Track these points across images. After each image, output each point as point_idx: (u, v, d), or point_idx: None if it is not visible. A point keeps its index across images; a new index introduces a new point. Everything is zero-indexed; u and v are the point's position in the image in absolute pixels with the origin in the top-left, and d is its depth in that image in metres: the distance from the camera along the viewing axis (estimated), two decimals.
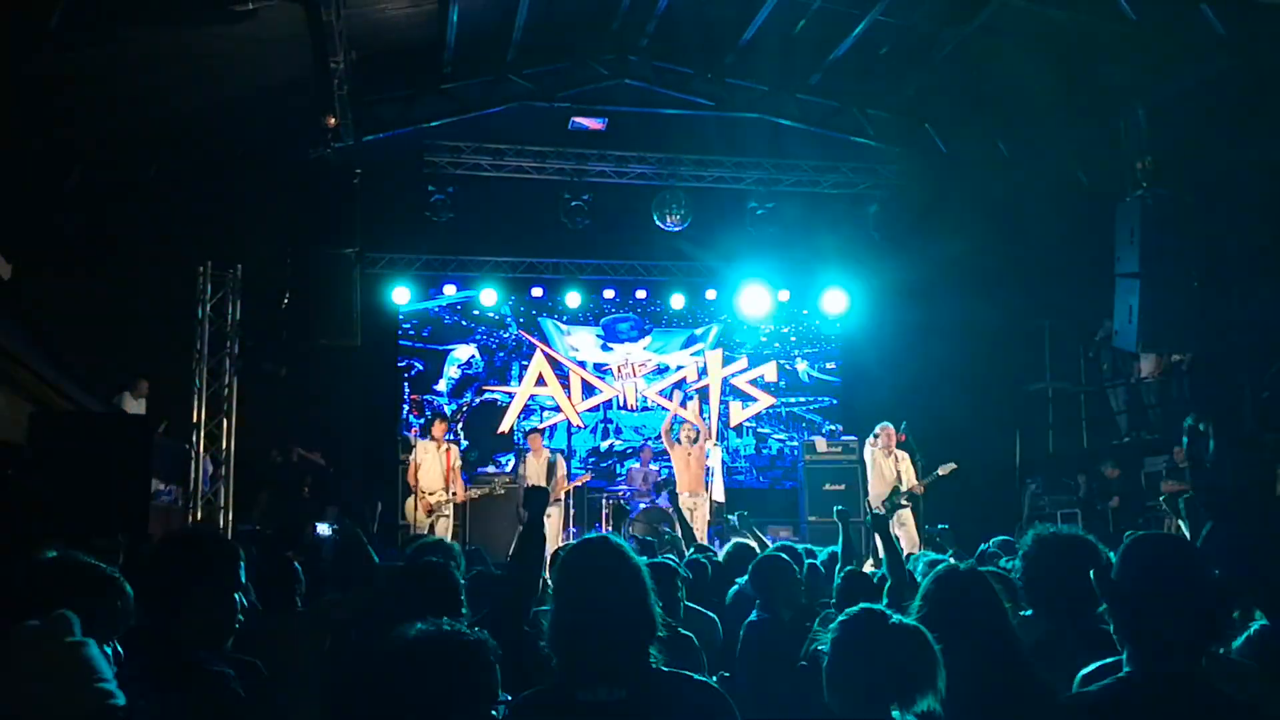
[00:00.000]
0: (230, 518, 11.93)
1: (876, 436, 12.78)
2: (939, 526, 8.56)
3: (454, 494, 12.77)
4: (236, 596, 3.10)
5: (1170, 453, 12.77)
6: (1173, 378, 13.43)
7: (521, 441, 15.75)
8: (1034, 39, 11.70)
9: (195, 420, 11.77)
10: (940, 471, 12.16)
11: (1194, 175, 11.37)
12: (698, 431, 13.80)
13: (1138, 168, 11.32)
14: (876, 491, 12.51)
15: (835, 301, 16.41)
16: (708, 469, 13.77)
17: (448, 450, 13.02)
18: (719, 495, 13.89)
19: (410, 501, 12.86)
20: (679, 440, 13.59)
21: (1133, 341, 11.46)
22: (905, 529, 12.03)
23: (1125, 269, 11.43)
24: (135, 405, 12.10)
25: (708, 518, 13.38)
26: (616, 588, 2.66)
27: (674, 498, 11.81)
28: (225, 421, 12.02)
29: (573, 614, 2.66)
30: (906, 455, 12.75)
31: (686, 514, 10.83)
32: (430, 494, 12.67)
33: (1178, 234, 11.02)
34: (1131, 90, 11.62)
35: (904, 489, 12.28)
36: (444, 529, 12.45)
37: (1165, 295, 11.02)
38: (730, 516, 14.38)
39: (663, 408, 16.51)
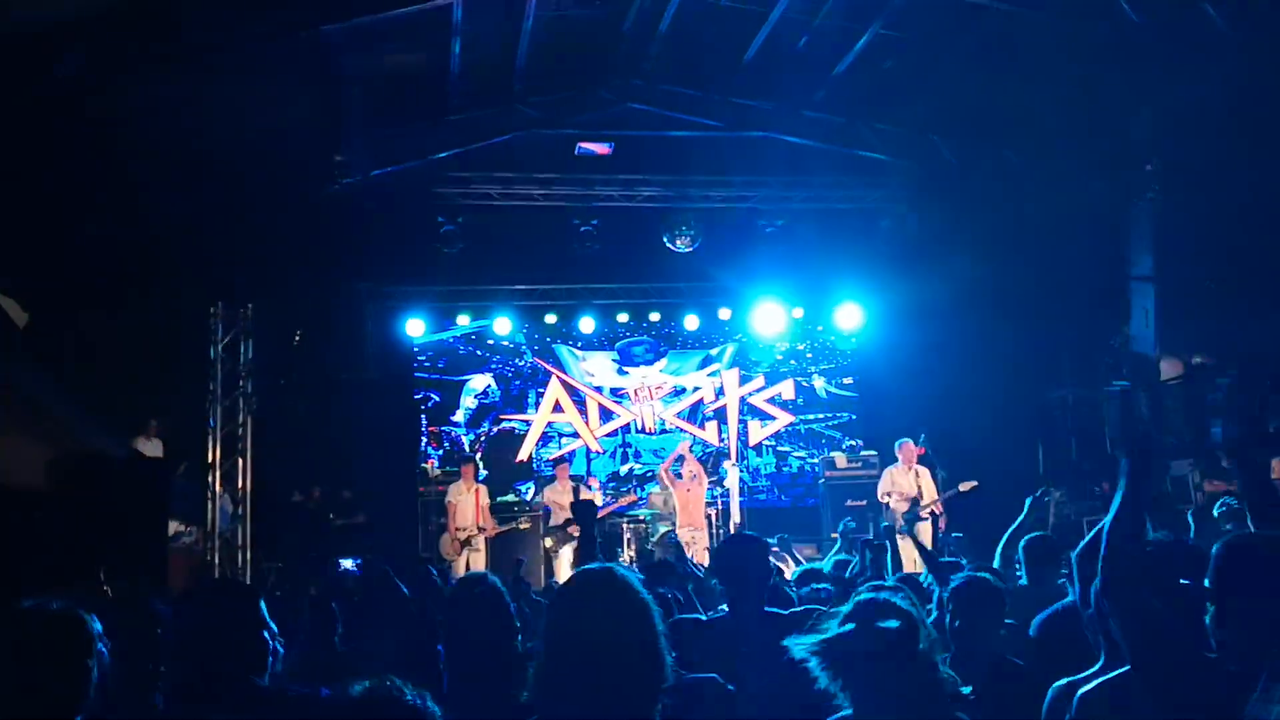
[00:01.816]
0: (249, 557, 11.94)
1: (899, 452, 12.81)
2: (953, 535, 8.48)
3: (484, 529, 13.31)
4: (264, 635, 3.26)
5: (1195, 455, 12.59)
6: (1195, 380, 13.29)
7: (541, 469, 15.74)
8: (1036, 46, 11.65)
9: (211, 460, 11.79)
10: (961, 488, 12.08)
11: (1205, 175, 11.29)
12: (699, 466, 13.86)
13: (1147, 170, 11.27)
14: (897, 508, 12.45)
15: (850, 316, 16.33)
16: (725, 490, 13.75)
17: (477, 490, 13.55)
18: (736, 516, 13.84)
19: (445, 538, 13.39)
20: (680, 476, 13.59)
21: (1150, 344, 11.40)
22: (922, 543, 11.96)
23: (1139, 272, 11.37)
24: (150, 447, 12.13)
25: (707, 545, 13.30)
26: (621, 629, 2.28)
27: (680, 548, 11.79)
28: (241, 461, 12.04)
29: (567, 659, 2.29)
30: (926, 470, 12.69)
31: (685, 548, 10.88)
32: (461, 530, 13.19)
33: (1190, 235, 10.95)
34: (1138, 93, 11.55)
35: (924, 503, 12.20)
36: (478, 563, 12.80)
37: (1180, 297, 10.96)
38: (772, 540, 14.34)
39: (681, 430, 16.48)
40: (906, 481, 12.65)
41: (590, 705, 2.23)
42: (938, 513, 12.21)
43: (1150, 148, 11.45)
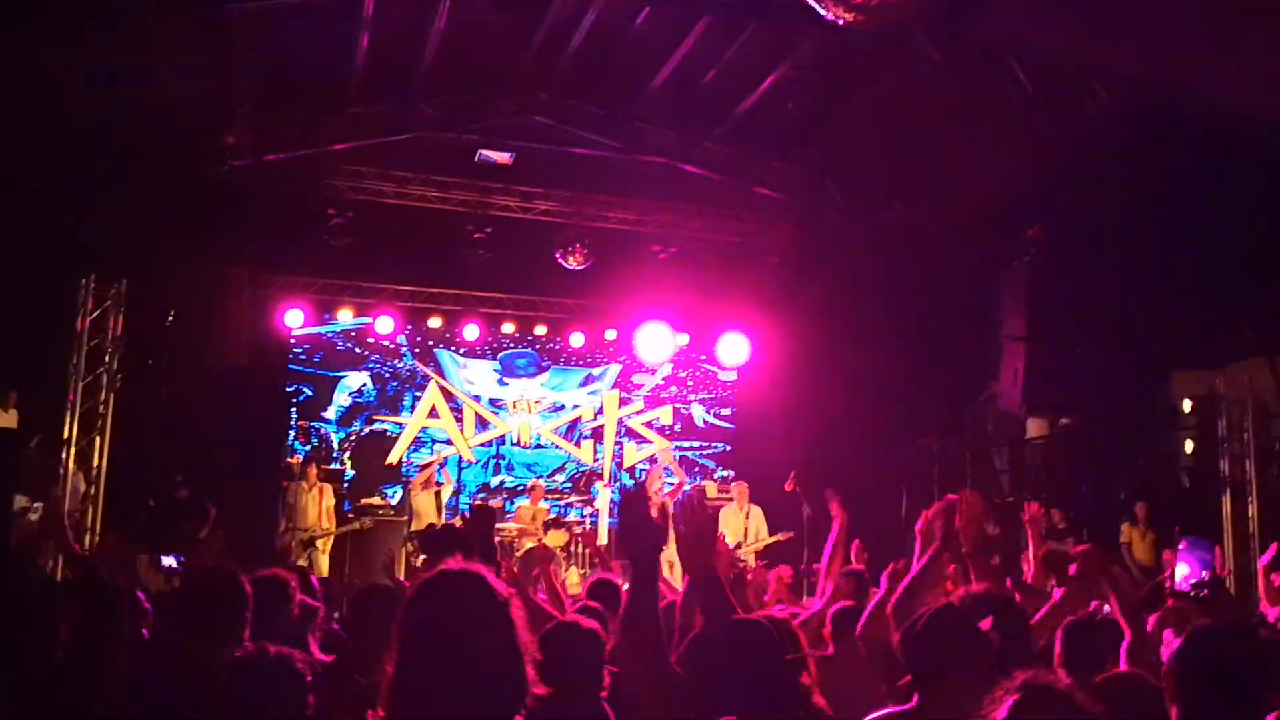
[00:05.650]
0: (98, 539, 11.50)
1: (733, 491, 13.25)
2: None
3: (326, 529, 13.19)
4: None
5: (1049, 512, 13.01)
6: (1060, 440, 13.74)
7: (411, 474, 15.50)
8: (935, 103, 11.98)
9: (66, 436, 11.35)
10: (779, 537, 12.47)
11: (1081, 242, 11.71)
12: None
13: (1027, 234, 11.64)
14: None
15: (734, 348, 16.48)
16: (595, 511, 13.78)
17: (320, 489, 13.37)
18: (603, 538, 13.85)
19: (288, 538, 13.10)
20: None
21: (1017, 403, 11.74)
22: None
23: (1012, 332, 11.72)
24: (5, 418, 11.64)
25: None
26: (476, 634, 2.12)
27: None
28: (99, 439, 11.62)
29: (417, 667, 2.11)
30: (759, 512, 13.02)
31: (665, 566, 10.91)
32: (304, 530, 12.98)
33: (1062, 299, 11.33)
34: (1024, 157, 11.93)
35: (745, 546, 12.57)
36: (322, 565, 12.58)
37: (1049, 359, 11.32)
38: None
39: (556, 446, 16.45)
40: (736, 521, 12.94)
41: (448, 713, 2.08)
42: (757, 551, 12.61)
43: (1032, 210, 11.82)
